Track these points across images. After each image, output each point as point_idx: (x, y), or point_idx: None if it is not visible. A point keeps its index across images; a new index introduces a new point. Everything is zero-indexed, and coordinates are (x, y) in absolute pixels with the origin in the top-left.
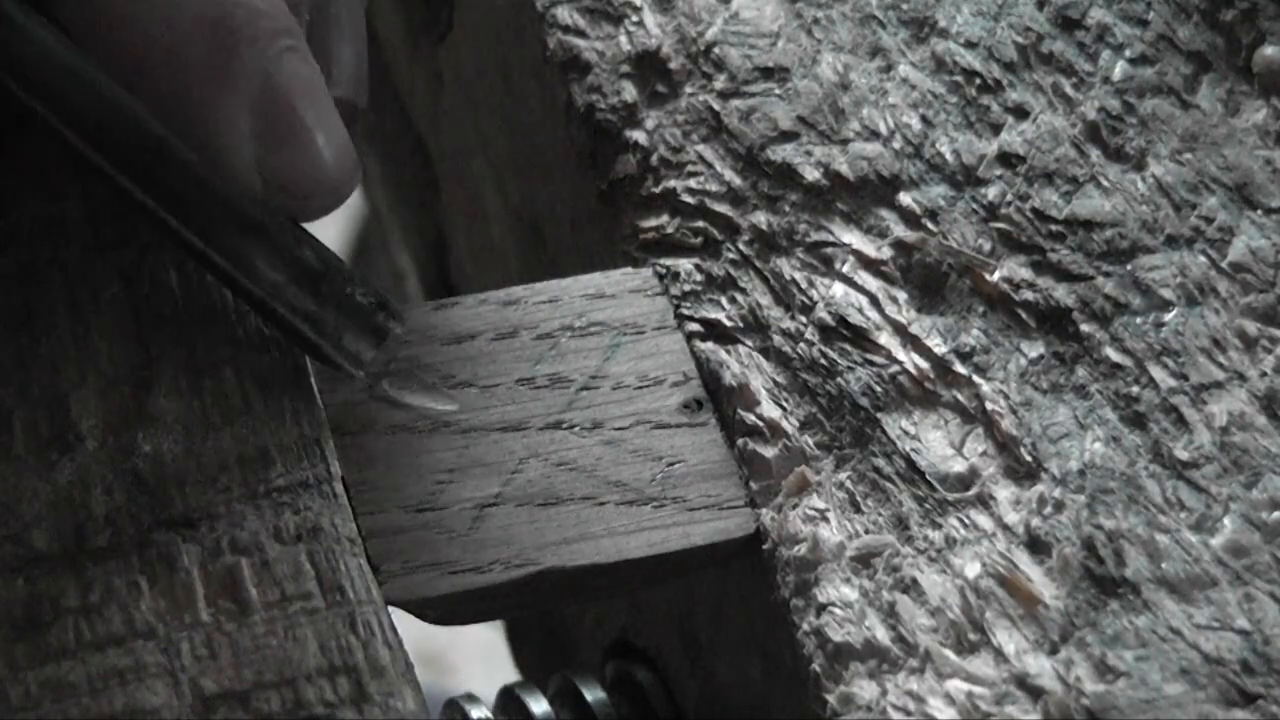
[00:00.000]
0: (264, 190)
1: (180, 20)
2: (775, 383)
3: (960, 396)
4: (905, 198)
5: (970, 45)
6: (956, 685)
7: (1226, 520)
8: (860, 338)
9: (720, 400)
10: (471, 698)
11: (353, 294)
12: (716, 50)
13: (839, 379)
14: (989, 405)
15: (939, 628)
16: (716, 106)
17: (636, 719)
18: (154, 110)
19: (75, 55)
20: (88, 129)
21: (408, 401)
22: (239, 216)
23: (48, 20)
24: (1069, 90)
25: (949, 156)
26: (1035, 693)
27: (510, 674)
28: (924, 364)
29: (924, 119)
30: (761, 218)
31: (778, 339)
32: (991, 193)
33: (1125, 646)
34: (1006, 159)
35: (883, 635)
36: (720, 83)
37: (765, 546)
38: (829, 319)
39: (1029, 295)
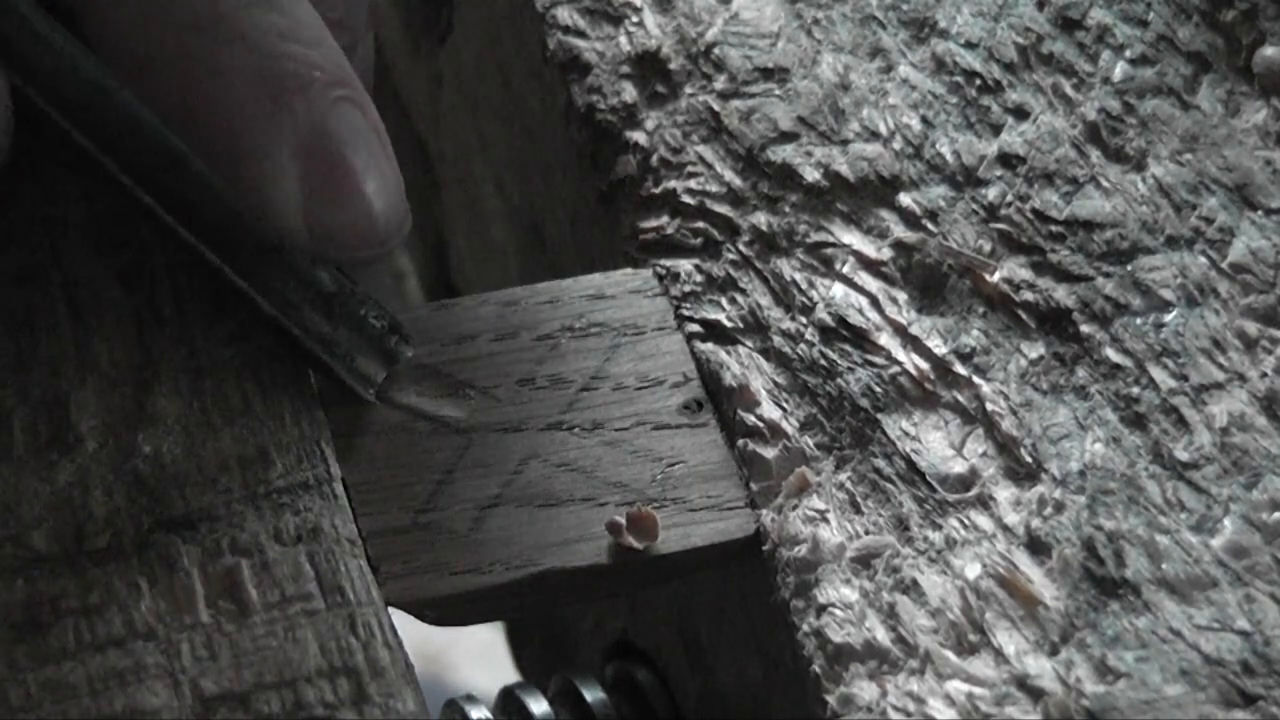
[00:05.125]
0: (309, 239)
1: (229, 69)
2: (775, 383)
3: (960, 397)
4: (905, 198)
5: (970, 46)
6: (957, 686)
7: (1227, 521)
8: (860, 338)
9: (720, 401)
10: (471, 698)
11: (365, 316)
12: (716, 51)
13: (839, 380)
14: (989, 406)
15: (939, 629)
16: (716, 107)
17: None
18: (200, 154)
19: (101, 70)
20: (109, 142)
21: (415, 407)
22: (255, 237)
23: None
24: (1069, 91)
25: (949, 157)
26: (1035, 694)
27: (510, 674)
28: (924, 365)
29: (924, 120)
30: (761, 218)
31: (778, 340)
32: (992, 193)
33: (1125, 647)
34: (1007, 160)
35: (883, 636)
36: (720, 83)
37: (765, 547)
38: (829, 320)
39: (1029, 296)
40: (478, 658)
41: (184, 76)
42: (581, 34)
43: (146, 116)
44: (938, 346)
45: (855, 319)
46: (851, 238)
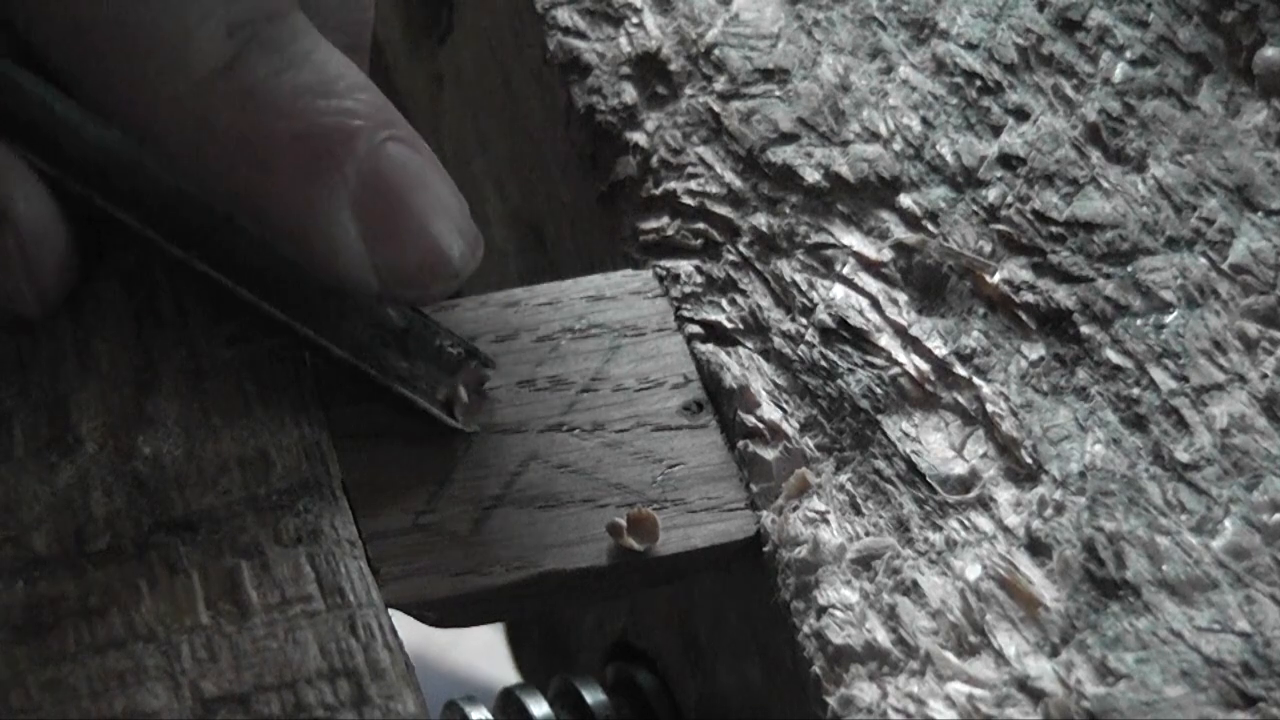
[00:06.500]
0: (381, 286)
1: (269, 139)
2: (776, 385)
3: (961, 398)
4: (906, 199)
5: (971, 47)
6: (957, 687)
7: (1227, 522)
8: (861, 340)
9: (721, 402)
10: (471, 698)
11: (441, 346)
12: (717, 52)
13: (839, 381)
14: (989, 407)
15: (939, 630)
16: (717, 108)
17: None
18: (254, 224)
19: (137, 151)
20: (153, 217)
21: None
22: (316, 283)
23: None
24: (1069, 92)
25: (949, 158)
26: (1036, 695)
27: (511, 675)
28: (924, 366)
29: (924, 121)
30: (762, 219)
31: (778, 341)
32: (992, 194)
33: (1126, 649)
34: (1007, 161)
35: (883, 637)
36: (720, 84)
37: (766, 549)
38: (829, 321)
39: (1029, 297)
40: (478, 657)
41: (225, 155)
42: (581, 35)
43: (189, 188)
44: (938, 348)
45: (856, 320)
46: (852, 239)
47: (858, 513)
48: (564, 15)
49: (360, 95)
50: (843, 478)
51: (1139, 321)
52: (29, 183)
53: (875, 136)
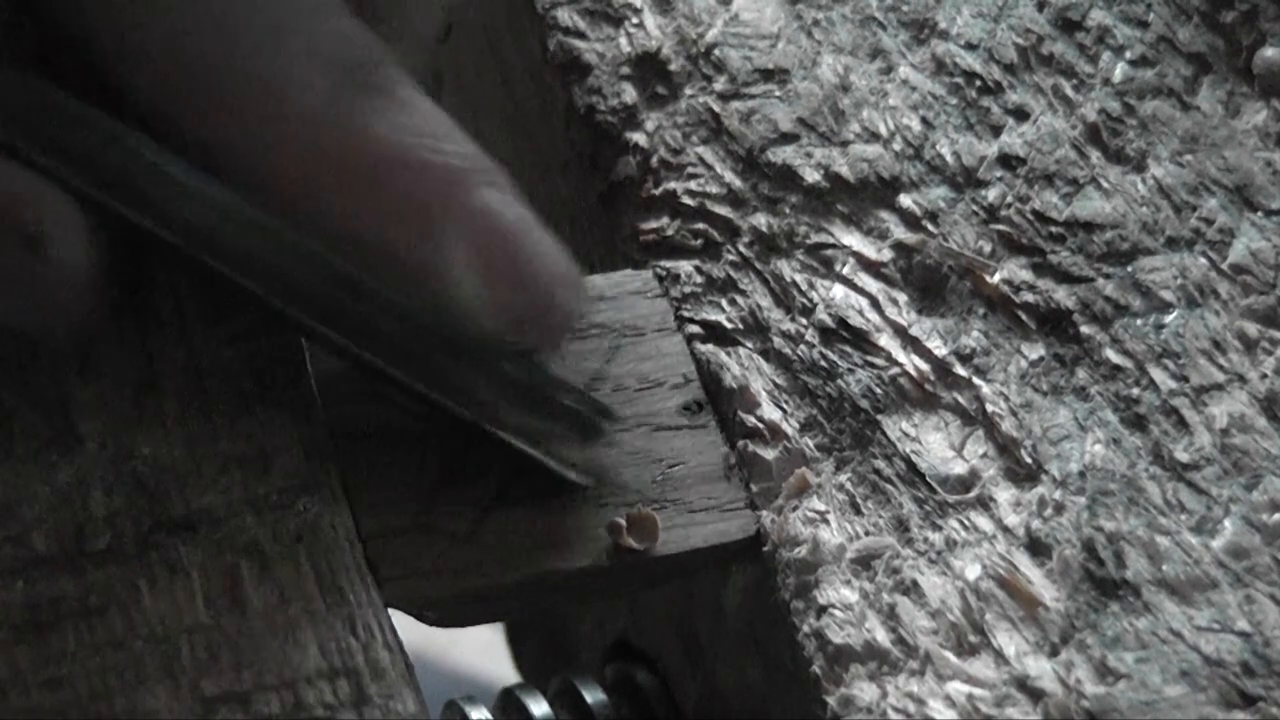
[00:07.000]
0: (496, 330)
1: (387, 183)
2: (775, 385)
3: (961, 398)
4: (905, 199)
5: (970, 47)
6: (957, 687)
7: (1227, 522)
8: (860, 340)
9: (720, 402)
10: (471, 698)
11: (561, 400)
12: (717, 52)
13: (839, 381)
14: (989, 407)
15: (939, 629)
16: (717, 108)
17: None
18: (376, 271)
19: (256, 212)
20: (266, 278)
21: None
22: (438, 341)
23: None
24: (1069, 92)
25: (949, 158)
26: (1036, 695)
27: (511, 675)
28: (924, 366)
29: (924, 121)
30: (762, 219)
31: (778, 341)
32: (992, 194)
33: (1126, 648)
34: (1007, 161)
35: (883, 637)
36: (720, 84)
37: (766, 548)
38: (829, 321)
39: (1029, 297)
40: (478, 657)
41: (338, 195)
42: (581, 35)
43: (310, 246)
44: (938, 348)
45: (855, 320)
46: (852, 239)
47: (857, 512)
48: (564, 15)
49: (460, 143)
50: (842, 477)
51: (1139, 321)
52: (63, 210)
53: (875, 136)
